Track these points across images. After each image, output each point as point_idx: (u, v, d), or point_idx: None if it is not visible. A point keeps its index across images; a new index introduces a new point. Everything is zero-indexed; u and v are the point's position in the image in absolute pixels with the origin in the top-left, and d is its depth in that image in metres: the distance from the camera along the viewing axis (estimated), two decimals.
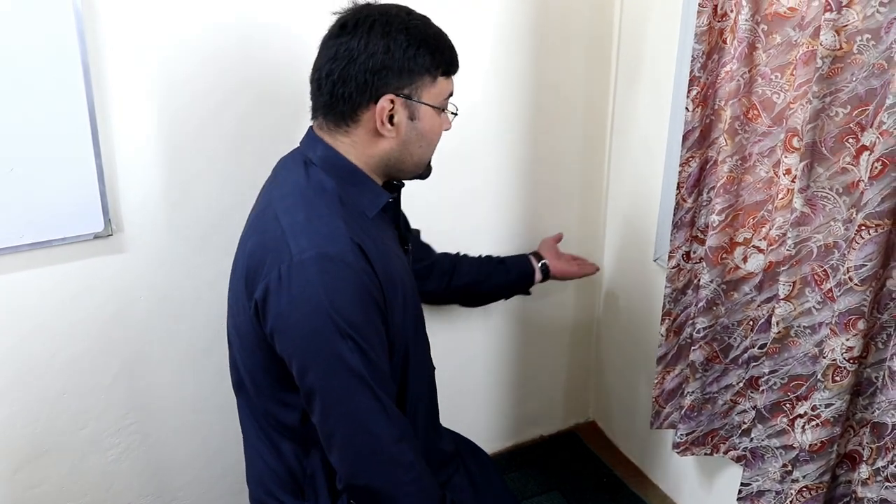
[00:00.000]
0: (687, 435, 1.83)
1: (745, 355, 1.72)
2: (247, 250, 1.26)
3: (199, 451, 1.89)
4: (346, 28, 1.21)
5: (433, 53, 1.22)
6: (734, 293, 1.71)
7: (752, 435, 1.65)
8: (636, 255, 2.16)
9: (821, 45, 1.33)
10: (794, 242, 1.47)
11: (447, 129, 1.33)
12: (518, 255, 1.92)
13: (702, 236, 1.75)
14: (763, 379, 1.60)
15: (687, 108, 1.66)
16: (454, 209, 2.01)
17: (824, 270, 1.47)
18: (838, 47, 1.33)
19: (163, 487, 1.87)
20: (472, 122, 1.94)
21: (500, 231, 2.12)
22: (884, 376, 1.40)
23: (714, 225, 1.65)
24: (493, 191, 2.06)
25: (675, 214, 1.76)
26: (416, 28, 1.22)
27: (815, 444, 1.49)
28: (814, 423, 1.47)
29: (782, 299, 1.51)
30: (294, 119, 1.71)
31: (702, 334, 1.74)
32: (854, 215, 1.39)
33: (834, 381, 1.43)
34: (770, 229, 1.57)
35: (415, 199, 1.68)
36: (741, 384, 1.75)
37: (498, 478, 1.64)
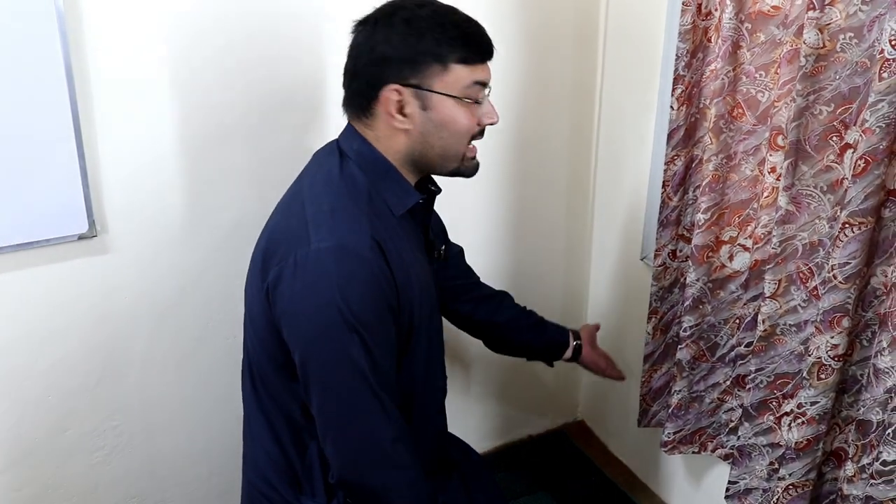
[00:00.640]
0: (674, 433, 1.83)
1: (732, 353, 1.73)
2: (267, 232, 1.27)
3: (185, 451, 1.88)
4: (359, 26, 1.24)
5: (439, 40, 1.19)
6: (720, 291, 1.71)
7: (740, 433, 1.65)
8: (623, 254, 2.16)
9: (804, 43, 1.34)
10: (779, 241, 1.47)
11: (491, 123, 1.28)
12: (560, 325, 1.79)
13: (688, 235, 1.75)
14: (749, 377, 1.60)
15: (672, 107, 1.66)
16: (439, 206, 2.01)
17: (809, 268, 1.48)
18: (822, 46, 1.33)
19: (149, 488, 1.86)
20: None
21: (485, 229, 2.12)
22: (868, 374, 1.40)
23: (700, 223, 1.65)
24: (479, 189, 2.06)
25: (660, 213, 1.76)
26: (422, 17, 1.20)
27: (802, 442, 1.49)
28: (800, 420, 1.48)
29: (768, 297, 1.52)
30: (278, 118, 1.71)
31: (688, 333, 1.74)
32: (838, 213, 1.39)
33: (819, 378, 1.43)
34: (755, 227, 1.57)
35: None
36: (728, 382, 1.75)
37: (490, 480, 1.64)
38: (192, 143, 1.65)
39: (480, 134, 1.29)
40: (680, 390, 1.79)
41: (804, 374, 1.46)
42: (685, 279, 1.74)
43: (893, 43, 1.19)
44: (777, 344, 1.55)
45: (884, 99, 1.22)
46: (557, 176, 2.18)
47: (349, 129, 1.29)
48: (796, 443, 1.49)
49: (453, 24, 1.21)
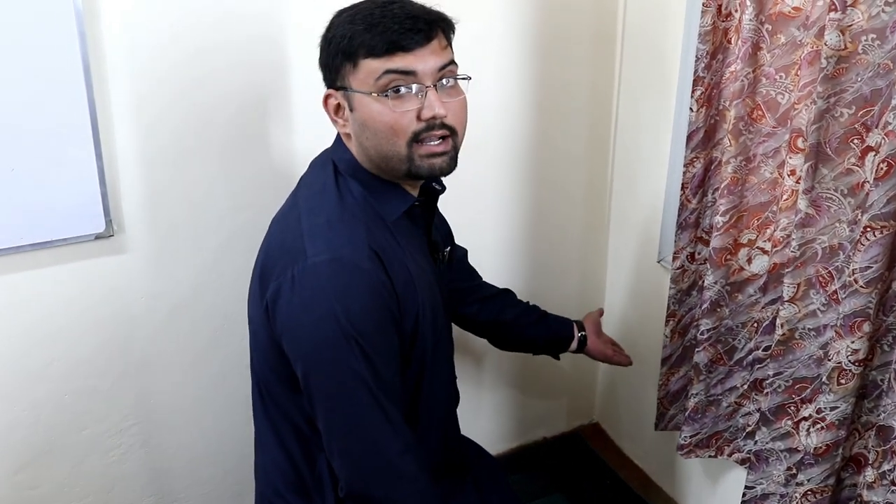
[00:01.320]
0: (691, 437, 1.82)
1: (750, 357, 1.71)
2: (265, 247, 1.27)
3: (200, 451, 1.89)
4: None
5: (350, 37, 1.16)
6: (738, 295, 1.70)
7: (757, 437, 1.64)
8: (640, 256, 2.15)
9: (825, 45, 1.32)
10: (798, 244, 1.46)
11: (433, 116, 1.17)
12: (564, 317, 1.80)
13: (706, 237, 1.74)
14: (767, 381, 1.59)
15: (691, 109, 1.64)
16: (456, 208, 2.00)
17: (829, 272, 1.46)
18: (843, 47, 1.32)
19: (164, 489, 1.87)
20: (475, 124, 1.92)
21: (501, 231, 2.12)
22: (889, 379, 1.39)
23: (718, 226, 1.64)
24: (496, 191, 2.06)
25: (679, 215, 1.75)
26: (345, 15, 1.19)
27: (821, 448, 1.47)
28: (819, 426, 1.46)
29: (787, 301, 1.50)
30: (295, 122, 1.71)
31: (706, 336, 1.72)
32: (859, 217, 1.38)
33: (839, 383, 1.42)
34: (774, 231, 1.56)
35: None
36: (745, 386, 1.74)
37: (504, 483, 1.63)
38: (211, 144, 1.65)
39: (427, 129, 1.18)
40: (697, 394, 1.78)
41: (824, 378, 1.44)
42: (703, 282, 1.72)
43: None
44: (796, 348, 1.54)
45: None
46: (574, 178, 2.17)
47: (337, 139, 1.30)
48: (815, 448, 1.48)
49: (364, 19, 1.16)
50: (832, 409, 1.44)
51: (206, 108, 1.63)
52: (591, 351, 1.81)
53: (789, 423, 1.59)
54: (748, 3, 1.47)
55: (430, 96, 1.17)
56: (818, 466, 1.49)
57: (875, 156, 1.32)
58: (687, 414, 1.81)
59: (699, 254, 1.78)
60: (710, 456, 1.85)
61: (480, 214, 2.06)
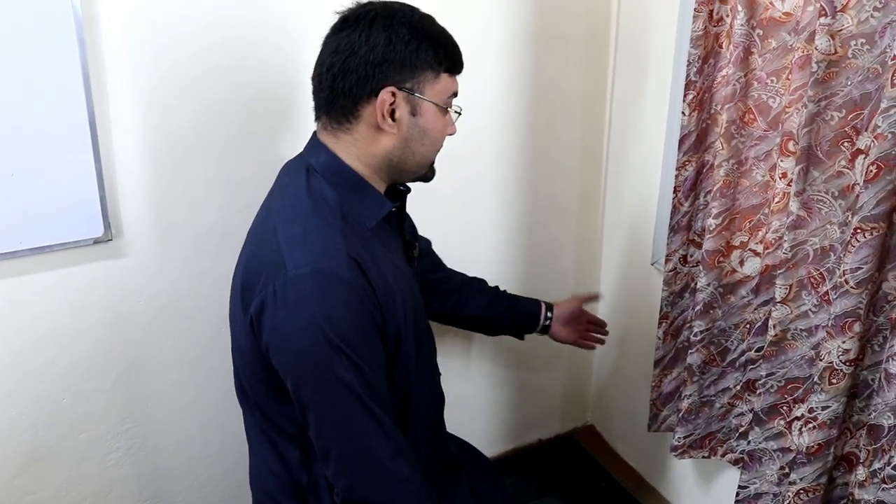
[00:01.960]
0: (685, 438, 1.84)
1: (743, 358, 1.73)
2: (243, 262, 1.26)
3: (198, 454, 1.89)
4: (347, 22, 1.22)
5: (436, 49, 1.22)
6: (731, 296, 1.72)
7: (750, 438, 1.66)
8: (633, 259, 2.17)
9: (816, 49, 1.34)
10: (790, 246, 1.48)
11: (451, 134, 1.32)
12: (532, 301, 1.81)
13: (699, 240, 1.76)
14: (760, 382, 1.61)
15: (683, 113, 1.67)
16: (451, 213, 2.03)
17: (820, 273, 1.48)
18: (833, 52, 1.34)
19: (162, 492, 1.87)
20: (470, 126, 1.94)
21: (497, 234, 2.13)
22: (880, 378, 1.40)
23: (711, 228, 1.66)
24: (490, 194, 2.08)
25: (671, 218, 1.77)
26: (420, 23, 1.22)
27: (813, 447, 1.49)
28: (811, 425, 1.48)
29: (779, 302, 1.52)
30: (294, 122, 1.72)
31: (699, 337, 1.74)
32: (850, 218, 1.40)
33: (831, 383, 1.44)
34: (766, 233, 1.58)
35: (411, 200, 1.68)
36: (738, 387, 1.76)
37: (499, 484, 1.64)
38: (209, 148, 1.67)
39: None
40: (690, 395, 1.79)
41: (815, 378, 1.46)
42: (696, 284, 1.74)
43: None
44: (788, 349, 1.56)
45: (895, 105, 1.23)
46: (568, 181, 2.19)
47: (314, 141, 1.29)
48: (807, 447, 1.50)
49: (442, 34, 1.24)
50: (824, 408, 1.46)
51: (203, 112, 1.64)
52: (555, 336, 1.84)
53: (782, 422, 1.61)
54: (739, 8, 1.49)
55: (455, 110, 1.31)
56: (810, 465, 1.51)
57: (865, 158, 1.34)
58: (680, 415, 1.82)
59: (692, 256, 1.80)
60: (703, 457, 1.87)
61: (475, 217, 2.08)
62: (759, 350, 1.65)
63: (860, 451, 1.48)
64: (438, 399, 1.49)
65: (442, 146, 1.31)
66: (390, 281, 1.25)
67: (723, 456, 1.85)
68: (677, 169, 1.72)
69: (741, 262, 1.69)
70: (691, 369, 1.77)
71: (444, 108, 1.27)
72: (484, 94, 1.96)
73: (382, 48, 1.19)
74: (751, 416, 1.68)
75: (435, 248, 1.85)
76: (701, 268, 1.70)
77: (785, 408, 1.60)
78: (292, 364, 1.18)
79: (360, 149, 1.25)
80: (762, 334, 1.64)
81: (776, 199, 1.53)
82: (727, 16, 1.59)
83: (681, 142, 1.69)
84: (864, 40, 1.32)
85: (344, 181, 1.25)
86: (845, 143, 1.39)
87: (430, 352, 1.43)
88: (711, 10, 1.59)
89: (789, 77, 1.48)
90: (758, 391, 1.62)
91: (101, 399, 1.73)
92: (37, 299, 1.60)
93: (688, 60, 1.63)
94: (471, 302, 1.74)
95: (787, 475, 1.60)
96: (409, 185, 1.38)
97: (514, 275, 2.19)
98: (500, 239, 2.14)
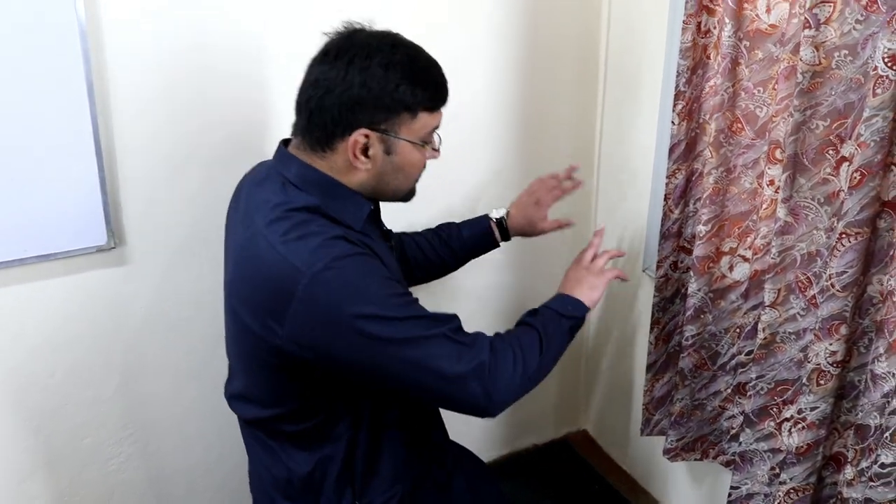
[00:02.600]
0: (677, 441, 1.87)
1: (733, 362, 1.77)
2: (251, 284, 1.23)
3: (198, 460, 1.92)
4: (328, 56, 1.22)
5: (413, 90, 1.21)
6: (721, 301, 1.76)
7: (741, 439, 1.69)
8: (625, 266, 2.20)
9: (801, 60, 1.39)
10: (778, 251, 1.52)
11: (434, 158, 1.33)
12: (476, 219, 1.80)
13: (689, 246, 1.80)
14: (750, 384, 1.64)
15: (673, 122, 1.71)
16: (449, 217, 2.06)
17: (808, 278, 1.52)
18: (817, 63, 1.38)
19: (163, 497, 1.90)
20: (467, 135, 1.99)
21: None
22: (866, 379, 1.44)
23: (700, 235, 1.70)
24: (484, 203, 2.10)
25: (662, 225, 1.81)
26: (398, 63, 1.20)
27: (802, 447, 1.53)
28: (800, 426, 1.52)
29: (768, 306, 1.56)
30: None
31: (690, 342, 1.78)
32: (835, 224, 1.44)
33: (819, 384, 1.47)
34: (755, 239, 1.62)
35: (401, 210, 1.71)
36: (729, 390, 1.79)
37: (496, 487, 1.67)
38: (208, 157, 1.70)
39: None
40: (682, 398, 1.83)
41: (804, 380, 1.50)
42: (686, 289, 1.78)
43: (886, 60, 1.24)
44: (777, 351, 1.59)
45: (878, 114, 1.27)
46: None
47: (283, 154, 1.30)
48: (797, 447, 1.53)
49: (425, 72, 1.24)
50: (812, 409, 1.49)
51: (204, 123, 1.67)
52: (518, 223, 1.80)
53: (772, 424, 1.65)
54: (727, 20, 1.54)
55: (436, 141, 1.33)
56: (800, 465, 1.55)
57: (849, 166, 1.38)
58: (672, 418, 1.86)
59: (682, 262, 1.84)
60: (695, 459, 1.90)
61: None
62: (748, 354, 1.69)
63: (848, 451, 1.52)
64: None
65: (421, 175, 1.33)
66: (385, 258, 1.29)
67: (714, 458, 1.88)
68: (667, 177, 1.76)
69: (731, 268, 1.73)
70: (683, 373, 1.81)
71: (421, 144, 1.28)
72: (477, 105, 2.00)
73: (357, 89, 1.19)
74: (741, 418, 1.72)
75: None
76: (691, 273, 1.74)
77: (775, 409, 1.64)
78: (355, 359, 1.19)
79: (333, 173, 1.27)
80: (752, 338, 1.67)
81: (764, 206, 1.57)
82: (715, 28, 1.63)
83: (671, 150, 1.74)
84: (846, 52, 1.36)
85: (322, 189, 1.26)
86: (830, 151, 1.44)
87: None
88: (700, 23, 1.64)
89: (775, 87, 1.52)
90: (748, 394, 1.66)
91: (103, 406, 1.76)
92: (42, 306, 1.63)
93: (677, 71, 1.67)
94: (421, 250, 1.74)
95: (778, 475, 1.64)
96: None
97: (507, 285, 2.23)
98: (496, 249, 2.17)
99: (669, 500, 2.21)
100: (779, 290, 1.55)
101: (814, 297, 1.52)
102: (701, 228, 1.69)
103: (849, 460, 1.50)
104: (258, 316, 1.21)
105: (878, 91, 1.26)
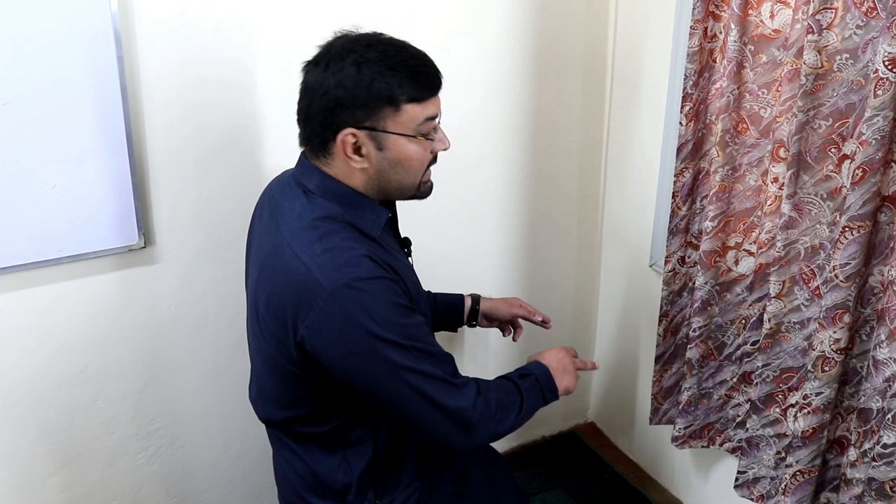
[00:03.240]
0: (685, 429, 1.94)
1: (739, 352, 1.84)
2: (271, 289, 1.29)
3: (222, 454, 1.98)
4: (310, 64, 1.28)
5: (390, 83, 1.22)
6: (727, 294, 1.83)
7: (748, 425, 1.77)
8: (632, 262, 2.28)
9: (804, 63, 1.46)
10: (782, 245, 1.60)
11: (444, 149, 1.34)
12: (454, 294, 1.80)
13: (696, 242, 1.87)
14: (756, 372, 1.72)
15: (681, 123, 1.78)
16: (460, 218, 2.13)
17: (811, 270, 1.60)
18: (820, 66, 1.46)
19: (188, 490, 1.95)
20: (478, 137, 2.05)
21: (502, 241, 2.24)
22: (868, 365, 1.52)
23: (707, 231, 1.77)
24: (495, 203, 2.19)
25: (670, 221, 1.88)
26: (371, 60, 1.22)
27: (807, 431, 1.60)
28: (805, 410, 1.59)
29: (773, 297, 1.64)
30: None
31: (697, 333, 1.85)
32: (838, 218, 1.51)
33: (823, 370, 1.55)
34: (760, 233, 1.69)
35: (414, 211, 1.76)
36: (735, 379, 1.87)
37: (509, 473, 1.73)
38: (232, 163, 1.76)
39: (434, 160, 1.34)
40: (689, 388, 1.90)
41: (809, 367, 1.58)
42: (694, 283, 1.85)
43: (886, 63, 1.31)
44: (782, 340, 1.67)
45: (878, 114, 1.35)
46: (569, 190, 2.30)
47: (305, 164, 1.33)
48: (802, 431, 1.61)
49: (401, 64, 1.24)
50: (817, 394, 1.57)
51: (228, 129, 1.73)
52: (490, 308, 1.78)
53: (778, 410, 1.72)
54: (732, 25, 1.61)
55: (441, 133, 1.32)
56: (805, 448, 1.62)
57: (851, 163, 1.46)
58: (680, 407, 1.93)
59: (689, 257, 1.91)
60: (702, 446, 1.98)
61: (482, 224, 2.18)
62: (754, 344, 1.76)
63: (851, 434, 1.59)
64: None
65: (426, 167, 1.33)
66: (405, 274, 1.34)
67: (721, 445, 1.96)
68: (675, 175, 1.83)
69: (736, 262, 1.80)
70: (690, 363, 1.88)
71: (414, 136, 1.27)
72: (489, 109, 2.06)
73: (334, 91, 1.22)
74: (747, 406, 1.79)
75: (441, 251, 1.93)
76: (699, 268, 1.81)
77: (780, 396, 1.71)
78: (359, 370, 1.25)
79: (341, 177, 1.31)
80: (757, 329, 1.75)
81: (768, 202, 1.64)
82: (720, 33, 1.71)
83: (678, 150, 1.81)
84: (848, 55, 1.44)
85: (341, 198, 1.31)
86: (832, 150, 1.51)
87: (432, 333, 1.51)
88: (706, 28, 1.71)
89: (779, 89, 1.60)
90: (754, 381, 1.73)
91: (132, 401, 1.81)
92: (75, 304, 1.68)
93: (684, 74, 1.74)
94: None
95: (784, 459, 1.71)
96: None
97: (518, 280, 2.29)
98: (506, 247, 2.25)
99: (677, 488, 2.28)
100: (784, 281, 1.62)
101: (817, 287, 1.60)
102: (708, 224, 1.77)
103: (852, 443, 1.57)
104: (280, 320, 1.27)
105: (879, 92, 1.34)
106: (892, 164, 1.41)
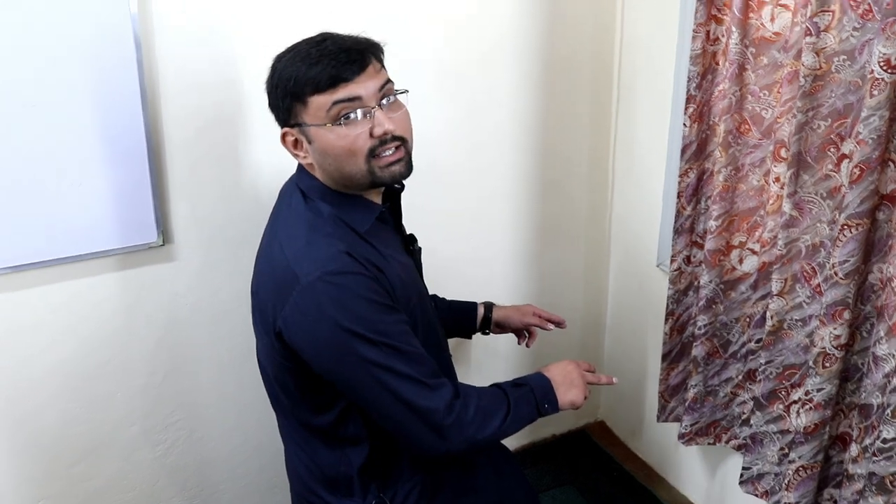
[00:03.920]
0: (691, 426, 1.97)
1: (744, 350, 1.87)
2: (260, 282, 1.39)
3: (239, 447, 2.03)
4: None
5: (288, 81, 1.28)
6: (732, 292, 1.86)
7: (752, 422, 1.79)
8: (640, 262, 2.31)
9: (803, 65, 1.49)
10: (784, 243, 1.62)
11: (384, 132, 1.29)
12: (469, 302, 1.84)
13: (701, 241, 1.90)
14: (760, 369, 1.74)
15: (684, 124, 1.81)
16: (470, 218, 2.17)
17: (812, 267, 1.62)
18: (818, 67, 1.49)
19: (205, 481, 2.01)
20: (480, 138, 2.10)
21: (512, 241, 2.28)
22: (868, 362, 1.54)
23: (712, 230, 1.80)
24: (504, 204, 2.22)
25: (675, 221, 1.91)
26: (278, 61, 1.32)
27: (810, 427, 1.63)
28: (807, 407, 1.62)
29: (775, 295, 1.66)
30: None
31: (703, 331, 1.88)
32: (837, 216, 1.54)
33: (824, 367, 1.57)
34: (763, 232, 1.72)
35: (424, 213, 1.79)
36: (740, 377, 1.89)
37: (518, 469, 1.74)
38: (248, 162, 1.81)
39: (381, 144, 1.31)
40: (695, 385, 1.93)
41: (810, 363, 1.60)
42: (699, 282, 1.88)
43: (881, 64, 1.34)
44: (785, 338, 1.69)
45: (875, 114, 1.38)
46: (577, 191, 2.33)
47: (299, 166, 1.41)
48: (805, 427, 1.63)
49: (304, 59, 1.28)
50: (818, 390, 1.59)
51: (247, 130, 1.79)
52: (503, 317, 1.82)
53: (781, 406, 1.75)
54: (734, 28, 1.65)
55: (377, 116, 1.30)
56: (808, 444, 1.64)
57: (849, 162, 1.48)
58: (687, 404, 1.96)
59: (694, 256, 1.94)
60: (709, 443, 2.00)
61: (491, 226, 2.22)
62: (758, 341, 1.79)
63: (853, 430, 1.61)
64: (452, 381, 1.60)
65: (368, 152, 1.30)
66: (394, 271, 1.37)
67: (727, 442, 1.98)
68: (680, 176, 1.87)
69: (740, 260, 1.83)
70: (696, 361, 1.91)
71: (330, 125, 1.29)
72: (500, 111, 2.11)
73: (267, 97, 1.34)
74: (752, 403, 1.82)
75: (450, 253, 1.97)
76: (703, 267, 1.84)
77: (783, 392, 1.74)
78: (330, 366, 1.30)
79: (311, 173, 1.39)
80: (761, 326, 1.77)
81: (771, 202, 1.67)
82: (723, 36, 1.74)
83: (683, 151, 1.84)
84: (845, 57, 1.47)
85: (331, 196, 1.37)
86: (831, 149, 1.54)
87: (436, 335, 1.54)
88: (708, 31, 1.74)
89: (780, 90, 1.63)
90: (758, 378, 1.76)
91: (152, 394, 1.87)
92: (96, 299, 1.74)
93: (688, 77, 1.78)
94: None
95: (787, 455, 1.73)
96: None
97: (528, 280, 2.33)
98: (516, 248, 2.29)
99: (683, 484, 2.30)
100: (785, 279, 1.65)
101: (818, 285, 1.62)
102: (712, 224, 1.80)
103: (854, 438, 1.59)
104: (264, 313, 1.35)
105: (875, 93, 1.36)
106: (890, 162, 1.44)
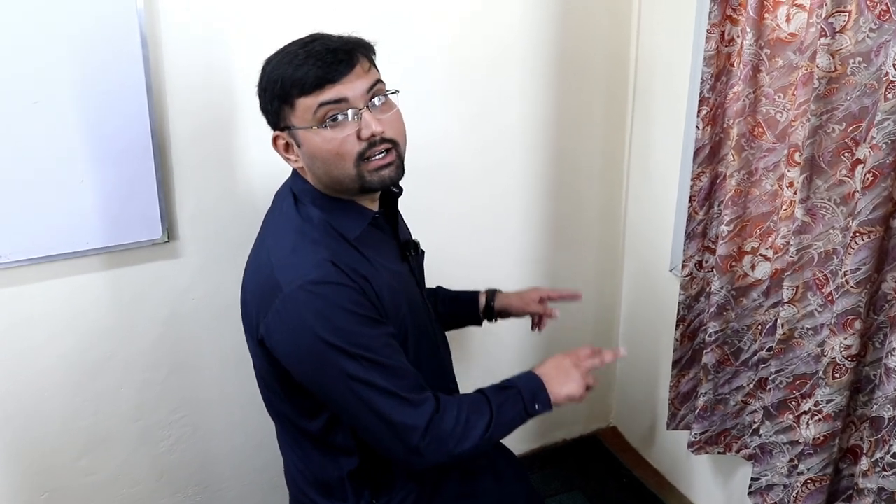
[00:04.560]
0: (701, 434, 1.93)
1: (755, 358, 1.83)
2: (247, 287, 1.37)
3: (242, 444, 2.03)
4: None
5: (279, 84, 1.25)
6: (743, 299, 1.82)
7: (761, 432, 1.75)
8: (653, 267, 2.27)
9: (818, 67, 1.45)
10: (796, 250, 1.58)
11: (372, 134, 1.25)
12: (472, 291, 1.79)
13: (713, 246, 1.86)
14: (770, 378, 1.70)
15: (697, 127, 1.78)
16: (482, 224, 2.15)
17: (825, 275, 1.58)
18: (833, 69, 1.45)
19: (209, 478, 2.01)
20: (493, 137, 2.08)
21: (524, 245, 2.26)
22: (881, 374, 1.49)
23: (724, 235, 1.76)
24: (518, 208, 2.21)
25: (687, 226, 1.88)
26: (266, 65, 1.29)
27: (818, 438, 1.59)
28: (816, 418, 1.58)
29: (787, 303, 1.62)
30: None
31: (714, 338, 1.84)
32: (851, 223, 1.50)
33: (834, 377, 1.53)
34: (775, 238, 1.68)
35: (433, 213, 1.78)
36: (751, 385, 1.85)
37: (524, 474, 1.71)
38: (251, 161, 1.81)
39: (370, 147, 1.27)
40: (706, 393, 1.89)
41: (820, 373, 1.56)
42: (710, 288, 1.84)
43: None
44: (795, 346, 1.65)
45: (889, 118, 1.33)
46: (591, 195, 2.31)
47: (293, 170, 1.39)
48: (814, 439, 1.59)
49: (290, 61, 1.25)
50: (828, 401, 1.55)
51: (252, 129, 1.76)
52: (505, 305, 1.76)
53: (791, 417, 1.71)
54: (748, 29, 1.61)
55: (365, 117, 1.25)
56: (817, 456, 1.60)
57: (863, 167, 1.44)
58: (697, 412, 1.92)
59: (706, 262, 1.90)
60: (718, 452, 1.96)
61: (503, 228, 2.20)
62: (770, 350, 1.75)
63: (864, 443, 1.57)
64: (448, 385, 1.57)
65: (357, 155, 1.26)
66: (382, 280, 1.34)
67: (737, 452, 1.94)
68: (692, 179, 1.83)
69: (752, 267, 1.79)
70: (706, 368, 1.87)
71: (317, 127, 1.26)
72: (513, 114, 2.09)
73: (259, 101, 1.32)
74: (763, 412, 1.78)
75: (461, 254, 1.95)
76: (715, 272, 1.80)
77: (794, 403, 1.70)
78: (311, 377, 1.28)
79: (303, 177, 1.36)
80: (773, 334, 1.73)
81: (784, 207, 1.63)
82: (737, 37, 1.70)
83: (695, 154, 1.80)
84: (861, 59, 1.42)
85: (322, 201, 1.34)
86: (846, 154, 1.50)
87: (431, 342, 1.51)
88: (723, 32, 1.71)
89: (794, 93, 1.59)
90: (768, 387, 1.72)
91: (156, 389, 1.88)
92: (102, 295, 1.75)
93: (701, 78, 1.74)
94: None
95: (796, 467, 1.69)
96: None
97: (537, 278, 2.30)
98: (528, 252, 2.27)
99: (694, 493, 2.26)
100: (797, 287, 1.61)
101: (830, 293, 1.58)
102: (724, 229, 1.76)
103: (864, 452, 1.55)
104: (249, 318, 1.35)
105: (890, 96, 1.32)
106: None
